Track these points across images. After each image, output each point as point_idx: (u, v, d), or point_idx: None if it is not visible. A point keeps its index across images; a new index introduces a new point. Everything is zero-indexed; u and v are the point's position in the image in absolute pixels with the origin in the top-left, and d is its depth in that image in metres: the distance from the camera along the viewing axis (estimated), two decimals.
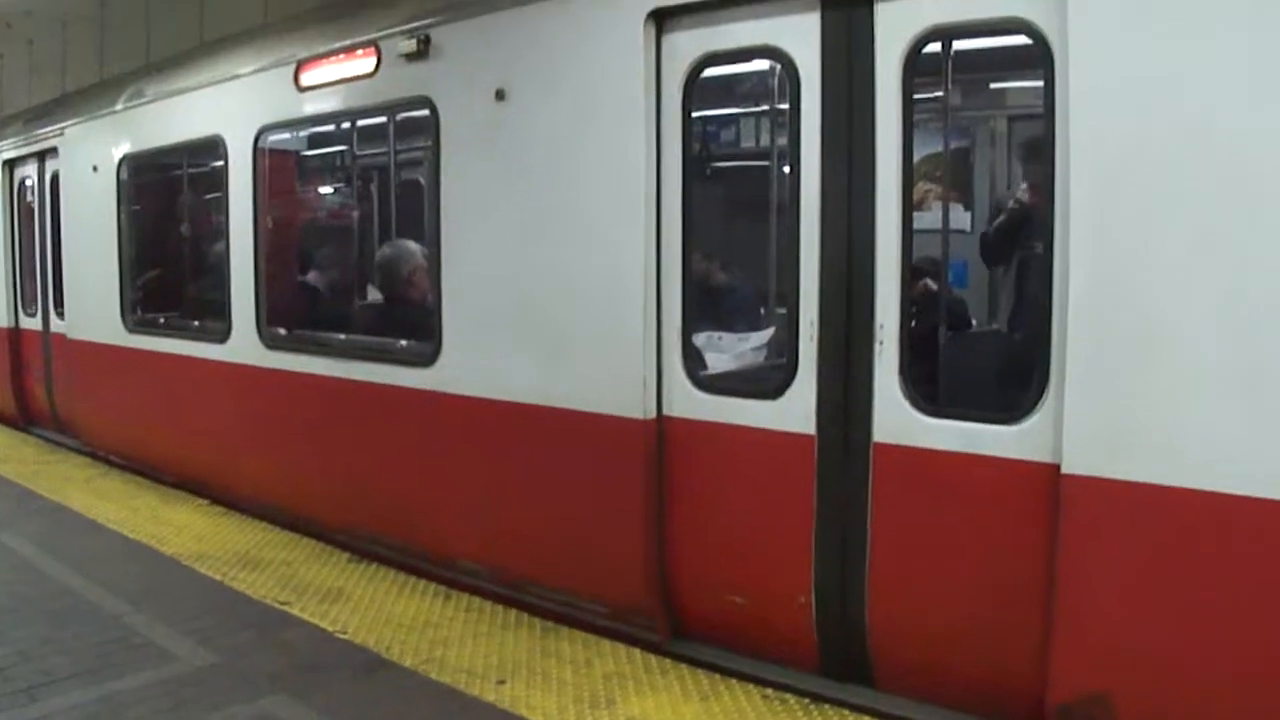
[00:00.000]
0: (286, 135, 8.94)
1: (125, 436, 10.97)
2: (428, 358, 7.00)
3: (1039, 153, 4.86)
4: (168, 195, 10.65)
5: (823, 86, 5.19)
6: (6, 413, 13.98)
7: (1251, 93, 3.98)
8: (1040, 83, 4.59)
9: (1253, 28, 3.97)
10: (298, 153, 9.65)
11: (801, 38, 5.25)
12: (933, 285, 5.71)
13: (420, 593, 6.93)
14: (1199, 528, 4.15)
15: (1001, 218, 6.39)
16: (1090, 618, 4.40)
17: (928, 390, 5.11)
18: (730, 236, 7.18)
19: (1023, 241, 5.91)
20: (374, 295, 8.51)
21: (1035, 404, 4.61)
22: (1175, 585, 4.23)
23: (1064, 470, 4.43)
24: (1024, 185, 6.19)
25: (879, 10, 5.00)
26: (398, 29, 7.10)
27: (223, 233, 9.04)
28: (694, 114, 5.78)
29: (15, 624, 6.38)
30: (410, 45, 6.94)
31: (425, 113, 7.00)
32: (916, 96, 5.01)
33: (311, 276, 9.11)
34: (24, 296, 13.53)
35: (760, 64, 5.97)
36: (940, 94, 5.27)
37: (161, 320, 10.39)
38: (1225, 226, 4.05)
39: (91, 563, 7.57)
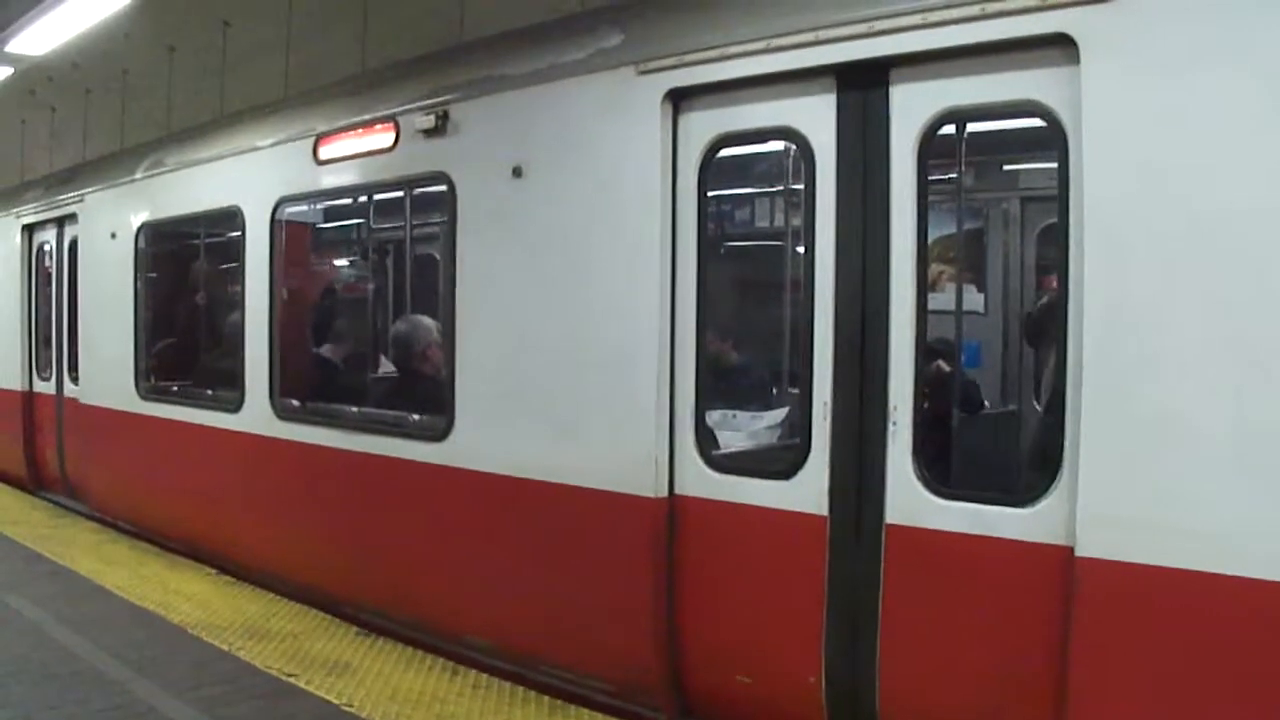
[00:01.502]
0: (304, 207, 9.02)
1: (135, 503, 10.95)
2: (440, 432, 6.99)
3: (1054, 234, 4.87)
4: (185, 264, 10.73)
5: (838, 167, 5.23)
6: (17, 476, 13.98)
7: (1263, 177, 4.00)
8: (1054, 164, 4.63)
9: (1265, 122, 4.00)
10: (315, 225, 9.72)
11: (817, 119, 5.30)
12: (946, 366, 5.72)
13: (428, 668, 6.86)
14: (1217, 612, 4.10)
15: (1045, 298, 6.35)
16: (1104, 701, 4.35)
17: (940, 472, 5.10)
18: (744, 315, 7.20)
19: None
20: (387, 368, 8.52)
21: (1049, 486, 4.59)
22: (1192, 670, 4.18)
23: (1078, 553, 4.40)
24: None
25: (895, 92, 5.05)
26: (416, 105, 7.17)
27: (238, 303, 9.08)
28: (709, 193, 5.82)
29: (20, 687, 6.33)
30: (429, 121, 7.00)
31: (442, 188, 7.05)
32: (931, 178, 5.05)
33: (326, 349, 9.15)
34: (39, 360, 13.59)
35: (776, 144, 6.03)
36: (954, 175, 5.31)
37: (174, 388, 10.42)
38: (1239, 309, 4.06)
39: (97, 628, 7.53)
